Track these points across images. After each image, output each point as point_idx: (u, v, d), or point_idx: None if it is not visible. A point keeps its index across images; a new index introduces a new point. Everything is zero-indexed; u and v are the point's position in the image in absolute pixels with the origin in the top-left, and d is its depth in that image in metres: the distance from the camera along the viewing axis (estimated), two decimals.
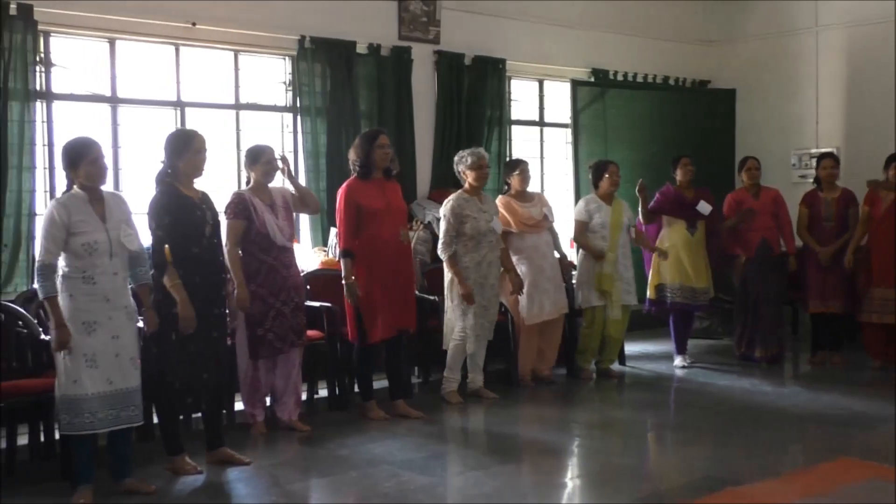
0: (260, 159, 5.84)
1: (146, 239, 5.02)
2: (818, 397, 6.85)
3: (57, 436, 5.03)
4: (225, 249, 5.50)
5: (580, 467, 5.47)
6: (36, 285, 4.64)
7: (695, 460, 5.37)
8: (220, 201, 5.62)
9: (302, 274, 6.64)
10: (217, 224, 5.18)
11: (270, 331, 5.80)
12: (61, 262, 4.56)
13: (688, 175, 7.86)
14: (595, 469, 5.34)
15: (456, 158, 6.82)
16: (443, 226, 6.65)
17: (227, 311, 5.34)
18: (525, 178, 7.20)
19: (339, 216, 6.13)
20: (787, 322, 8.62)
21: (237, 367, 5.89)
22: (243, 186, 6.07)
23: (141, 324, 4.94)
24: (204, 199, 5.15)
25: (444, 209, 6.66)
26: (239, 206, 5.75)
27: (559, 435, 6.07)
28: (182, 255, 4.93)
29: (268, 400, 6.11)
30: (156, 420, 5.30)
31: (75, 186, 4.65)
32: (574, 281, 7.62)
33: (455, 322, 6.68)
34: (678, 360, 7.99)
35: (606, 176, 7.42)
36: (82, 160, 4.60)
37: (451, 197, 6.71)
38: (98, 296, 4.57)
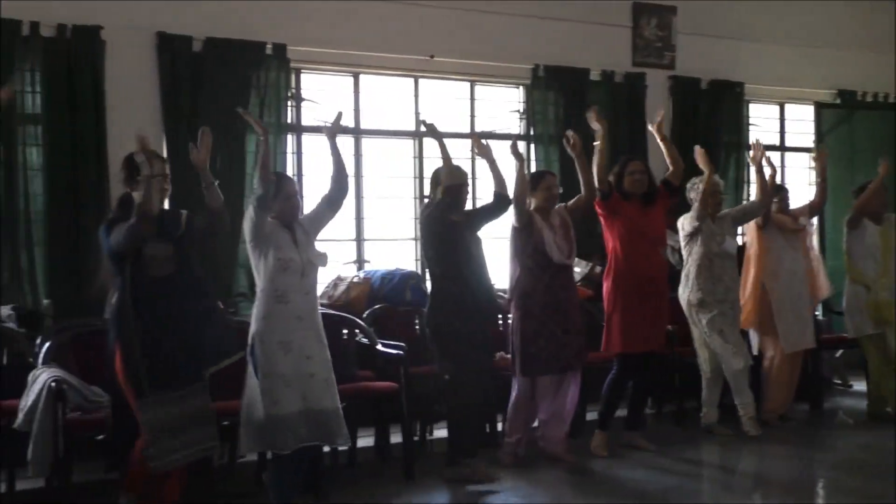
0: (539, 185, 5.89)
1: None
2: None
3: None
4: None
5: None
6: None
7: None
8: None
9: None
10: (480, 243, 5.54)
11: (544, 350, 5.66)
12: (258, 282, 4.71)
13: None
14: None
15: (688, 185, 6.59)
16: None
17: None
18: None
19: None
20: None
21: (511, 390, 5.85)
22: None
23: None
24: (467, 216, 5.53)
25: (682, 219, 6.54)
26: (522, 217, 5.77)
27: (800, 474, 5.78)
28: (455, 274, 5.32)
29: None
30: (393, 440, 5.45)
31: (270, 217, 4.73)
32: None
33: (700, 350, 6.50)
34: None
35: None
36: (278, 195, 4.70)
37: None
38: (291, 315, 4.64)
